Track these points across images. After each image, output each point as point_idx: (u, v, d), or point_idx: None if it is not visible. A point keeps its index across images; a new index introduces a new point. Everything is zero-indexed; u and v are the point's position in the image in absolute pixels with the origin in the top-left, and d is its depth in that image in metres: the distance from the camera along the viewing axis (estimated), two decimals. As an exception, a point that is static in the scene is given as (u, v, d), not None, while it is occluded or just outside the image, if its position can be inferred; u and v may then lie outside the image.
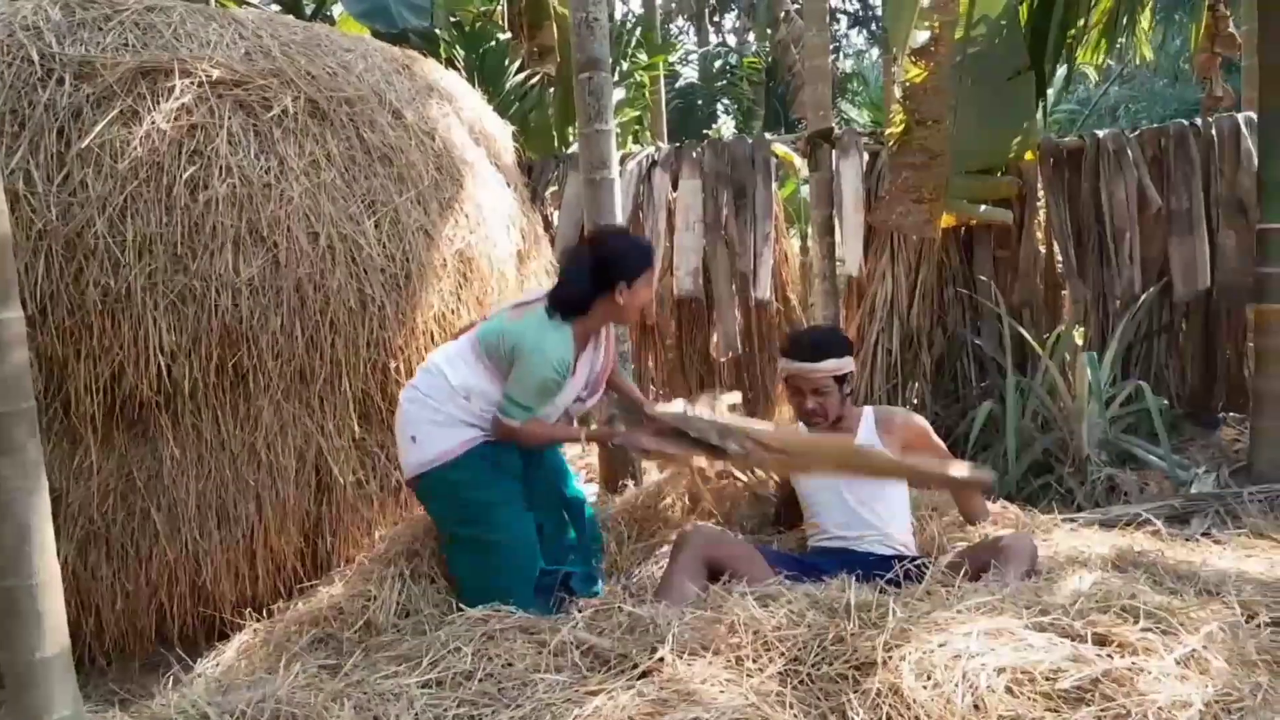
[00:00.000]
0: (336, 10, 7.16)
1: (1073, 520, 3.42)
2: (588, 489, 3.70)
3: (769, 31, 14.19)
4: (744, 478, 3.55)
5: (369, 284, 3.15)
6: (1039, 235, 5.19)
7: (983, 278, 5.07)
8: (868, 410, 3.13)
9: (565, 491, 3.05)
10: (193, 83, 3.07)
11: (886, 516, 2.94)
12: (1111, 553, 2.87)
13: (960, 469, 2.98)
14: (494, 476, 2.78)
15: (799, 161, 5.57)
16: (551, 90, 7.35)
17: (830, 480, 2.99)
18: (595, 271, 2.76)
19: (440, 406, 2.76)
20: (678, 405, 2.92)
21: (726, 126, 15.71)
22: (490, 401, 2.76)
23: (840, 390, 3.03)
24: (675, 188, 5.18)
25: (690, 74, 16.86)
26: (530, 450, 2.86)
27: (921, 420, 3.13)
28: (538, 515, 2.87)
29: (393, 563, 2.89)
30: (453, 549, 2.86)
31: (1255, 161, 4.58)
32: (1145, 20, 6.10)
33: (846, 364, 3.05)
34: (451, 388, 2.75)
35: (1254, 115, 4.62)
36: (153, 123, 2.98)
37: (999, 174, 4.86)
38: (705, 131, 13.76)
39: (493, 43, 7.11)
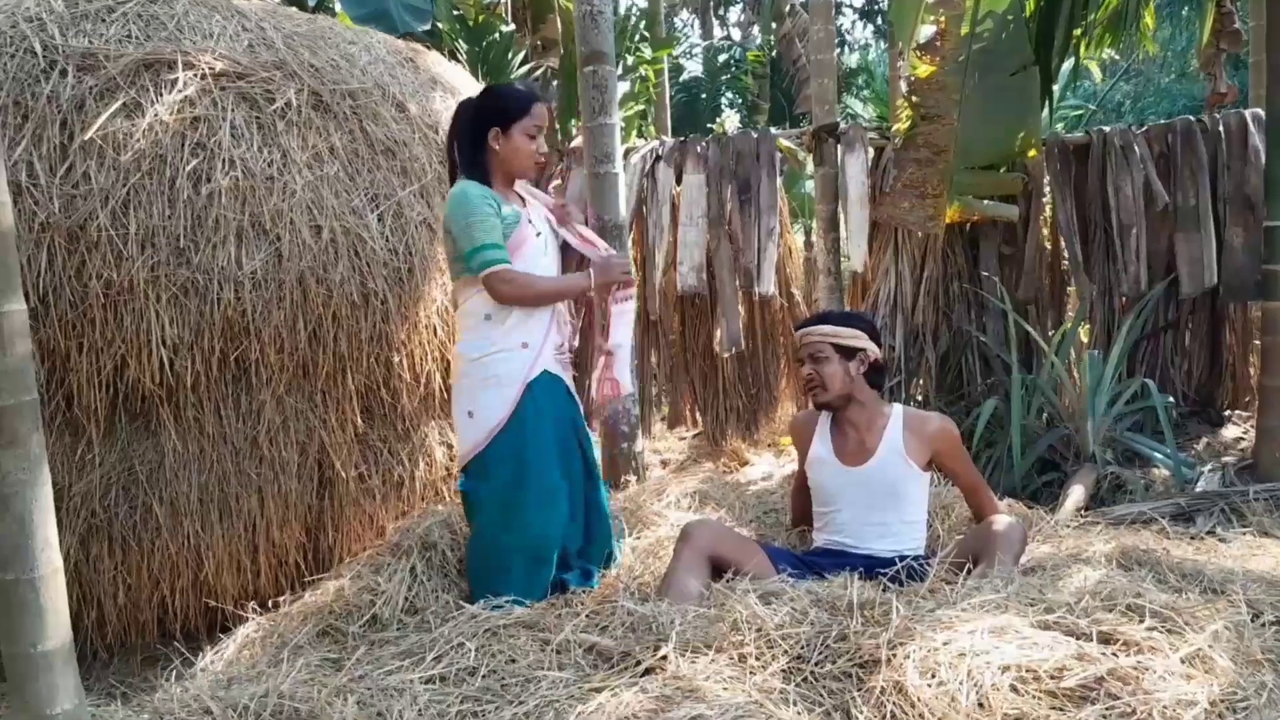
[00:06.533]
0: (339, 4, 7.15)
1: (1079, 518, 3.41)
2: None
3: (774, 25, 14.14)
4: None
5: (372, 278, 3.14)
6: (1044, 231, 5.17)
7: (988, 274, 5.05)
8: (898, 409, 2.97)
9: (591, 492, 2.99)
10: (196, 75, 3.06)
11: (904, 520, 2.90)
12: (1116, 550, 2.86)
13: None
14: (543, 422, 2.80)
15: (803, 156, 5.56)
16: (555, 84, 7.35)
17: (855, 481, 2.91)
18: (470, 121, 2.82)
19: (487, 353, 2.76)
20: None
21: (731, 121, 15.69)
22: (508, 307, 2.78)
23: (845, 365, 2.90)
24: (679, 182, 5.17)
25: (694, 68, 16.84)
26: (532, 306, 2.78)
27: (954, 431, 2.97)
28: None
29: (404, 555, 2.89)
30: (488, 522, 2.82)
31: (1263, 158, 4.56)
32: (1149, 16, 6.07)
33: (849, 335, 2.91)
34: (483, 319, 2.77)
35: (1261, 112, 4.60)
36: (155, 115, 2.97)
37: (1004, 170, 4.85)
38: (709, 126, 13.73)
39: (496, 36, 7.11)
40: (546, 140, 2.92)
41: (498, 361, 2.75)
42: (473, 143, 2.82)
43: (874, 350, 2.96)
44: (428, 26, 6.16)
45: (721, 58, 16.38)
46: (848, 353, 2.92)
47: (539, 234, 2.86)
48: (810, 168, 5.74)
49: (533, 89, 2.90)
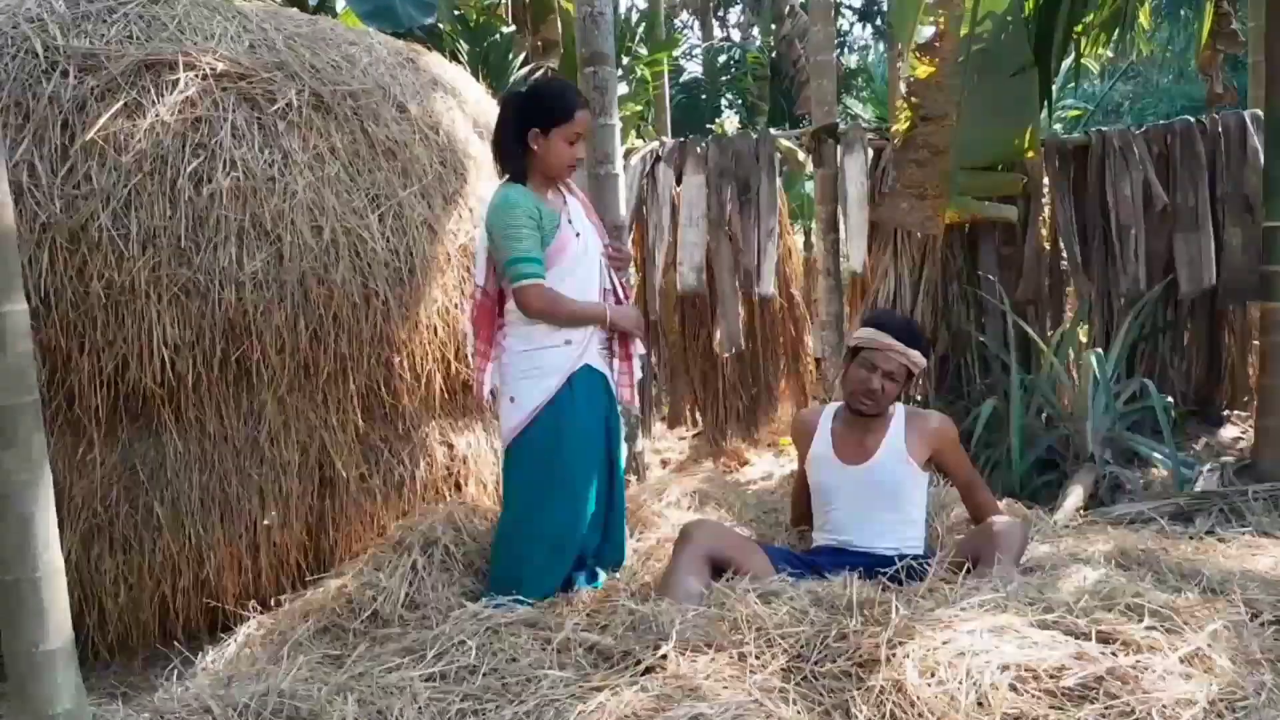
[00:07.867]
0: (340, 2, 7.16)
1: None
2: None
3: (773, 26, 14.15)
4: None
5: (373, 278, 3.14)
6: (1043, 232, 5.18)
7: (986, 274, 5.06)
8: (899, 408, 3.00)
9: (612, 491, 2.98)
10: (197, 75, 3.07)
11: (903, 519, 2.91)
12: (1115, 550, 2.87)
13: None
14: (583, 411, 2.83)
15: (803, 157, 5.57)
16: (555, 85, 7.33)
17: (854, 480, 2.92)
18: (513, 118, 2.82)
19: (531, 348, 2.80)
20: None
21: (731, 122, 15.67)
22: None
23: (903, 388, 2.95)
24: (679, 183, 5.18)
25: (694, 69, 16.82)
26: (562, 325, 2.81)
27: (953, 430, 3.02)
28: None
29: (406, 551, 2.90)
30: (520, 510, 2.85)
31: (1262, 159, 4.57)
32: (1144, 17, 6.10)
33: (923, 364, 2.96)
34: (526, 319, 2.79)
35: (1260, 112, 4.61)
36: (157, 115, 2.97)
37: (1003, 171, 4.86)
38: (709, 127, 13.71)
39: (497, 37, 7.12)
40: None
41: (541, 355, 2.81)
42: (513, 139, 2.82)
43: None
44: (434, 19, 6.17)
45: (721, 59, 16.37)
46: (910, 375, 2.96)
47: (578, 234, 2.87)
48: (810, 169, 5.75)
49: (577, 93, 2.88)
